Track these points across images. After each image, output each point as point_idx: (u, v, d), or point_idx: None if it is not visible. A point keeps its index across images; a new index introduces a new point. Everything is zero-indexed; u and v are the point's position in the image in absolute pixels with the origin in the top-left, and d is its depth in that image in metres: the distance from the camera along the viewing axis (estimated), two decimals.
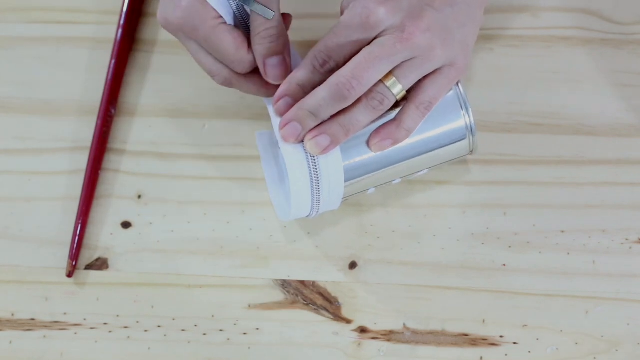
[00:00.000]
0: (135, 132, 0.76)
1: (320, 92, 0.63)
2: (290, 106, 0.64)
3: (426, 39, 0.62)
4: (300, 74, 0.64)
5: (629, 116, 0.75)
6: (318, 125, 0.64)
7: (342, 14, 0.65)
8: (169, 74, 0.77)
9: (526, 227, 0.72)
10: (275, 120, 0.65)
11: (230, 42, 0.64)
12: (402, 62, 0.63)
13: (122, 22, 0.77)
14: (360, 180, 0.67)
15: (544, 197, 0.73)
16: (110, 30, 0.78)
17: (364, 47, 0.63)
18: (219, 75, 0.67)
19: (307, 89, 0.64)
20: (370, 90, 0.63)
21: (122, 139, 0.76)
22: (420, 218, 0.73)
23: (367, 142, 0.66)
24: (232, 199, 0.74)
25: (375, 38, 0.63)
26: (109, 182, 0.75)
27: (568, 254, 0.72)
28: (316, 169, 0.65)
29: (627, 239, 0.72)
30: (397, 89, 0.63)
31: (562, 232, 0.72)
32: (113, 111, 0.76)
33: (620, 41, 0.76)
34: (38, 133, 0.76)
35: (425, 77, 0.64)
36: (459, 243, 0.72)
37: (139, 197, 0.74)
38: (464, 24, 0.65)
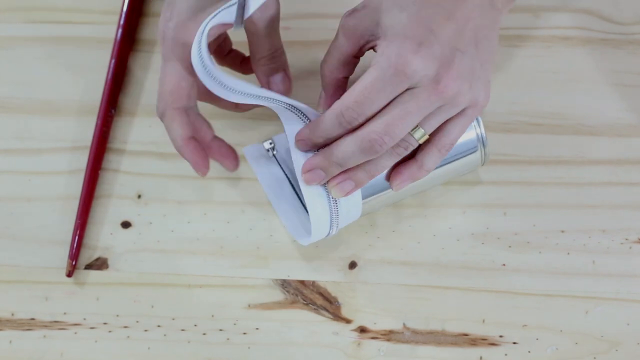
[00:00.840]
0: (135, 132, 0.76)
1: (350, 145, 0.62)
2: (309, 147, 0.64)
3: (457, 87, 0.61)
4: (324, 127, 0.62)
5: (629, 116, 0.75)
6: (343, 171, 0.64)
7: (342, 26, 0.64)
8: None
9: (526, 227, 0.72)
10: (297, 156, 0.64)
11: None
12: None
13: (122, 22, 0.77)
14: (375, 197, 0.68)
15: (544, 197, 0.73)
16: (110, 30, 0.78)
17: (394, 96, 0.61)
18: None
19: (330, 140, 0.63)
20: None
21: (122, 139, 0.76)
22: (420, 218, 0.73)
23: (388, 180, 0.66)
24: (232, 199, 0.74)
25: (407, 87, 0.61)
26: (108, 182, 0.75)
27: (568, 254, 0.72)
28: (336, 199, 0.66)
29: (627, 239, 0.72)
30: (420, 134, 0.62)
31: (562, 232, 0.72)
32: (113, 111, 0.76)
33: (620, 41, 0.76)
34: (38, 133, 0.76)
35: (447, 120, 0.63)
36: (459, 243, 0.72)
37: (139, 197, 0.74)
38: (486, 61, 0.63)
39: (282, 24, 0.77)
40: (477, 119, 0.67)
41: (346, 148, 0.62)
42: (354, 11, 0.63)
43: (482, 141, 0.68)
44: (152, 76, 0.77)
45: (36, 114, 0.77)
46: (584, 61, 0.76)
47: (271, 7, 0.65)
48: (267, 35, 0.66)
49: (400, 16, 0.60)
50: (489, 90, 0.64)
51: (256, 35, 0.66)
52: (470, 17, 0.61)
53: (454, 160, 0.68)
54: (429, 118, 0.62)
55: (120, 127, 0.76)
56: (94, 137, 0.75)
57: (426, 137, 0.63)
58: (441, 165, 0.68)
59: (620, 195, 0.73)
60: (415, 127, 0.62)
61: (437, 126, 0.63)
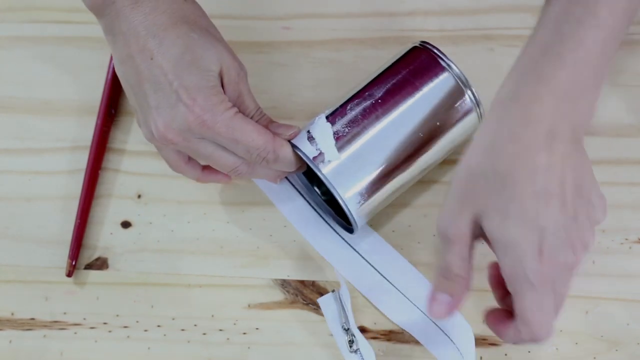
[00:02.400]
0: (135, 132, 0.76)
1: None
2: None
3: None
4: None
5: (629, 116, 0.75)
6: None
7: (442, 235, 0.59)
8: None
9: None
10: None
11: (251, 128, 0.64)
12: None
13: None
14: (379, 195, 0.68)
15: None
16: None
17: None
18: (241, 164, 0.66)
19: None
20: None
21: (122, 139, 0.76)
22: (420, 218, 0.73)
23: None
24: (232, 199, 0.74)
25: None
26: (108, 181, 0.75)
27: None
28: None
29: (627, 239, 0.72)
30: None
31: None
32: (113, 111, 0.76)
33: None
34: (38, 133, 0.76)
35: None
36: None
37: (139, 196, 0.74)
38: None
39: (282, 24, 0.78)
40: (468, 83, 0.68)
41: None
42: (453, 217, 0.59)
43: (475, 102, 0.68)
44: None
45: (36, 114, 0.77)
46: None
47: (242, 66, 0.66)
48: (248, 92, 0.66)
49: (507, 226, 0.56)
50: None
51: (241, 97, 0.66)
52: (564, 180, 0.58)
53: (452, 128, 0.68)
54: None
55: (120, 127, 0.76)
56: (94, 137, 0.75)
57: None
58: (439, 137, 0.68)
59: (620, 195, 0.73)
60: None
61: None
